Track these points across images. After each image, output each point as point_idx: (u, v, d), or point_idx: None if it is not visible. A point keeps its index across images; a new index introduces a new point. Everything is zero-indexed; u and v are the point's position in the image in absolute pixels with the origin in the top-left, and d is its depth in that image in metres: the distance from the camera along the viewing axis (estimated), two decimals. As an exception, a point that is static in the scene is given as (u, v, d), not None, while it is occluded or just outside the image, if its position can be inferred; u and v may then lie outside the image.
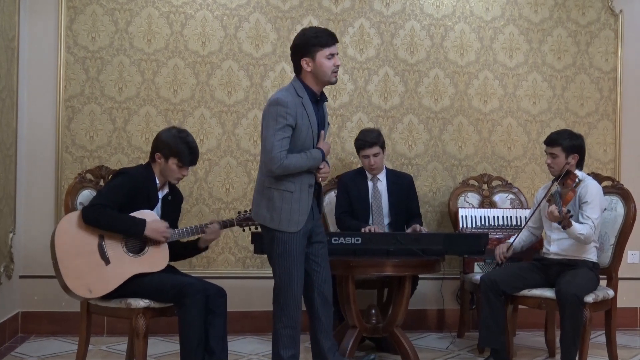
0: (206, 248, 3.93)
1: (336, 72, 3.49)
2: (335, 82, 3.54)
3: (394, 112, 5.28)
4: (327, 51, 3.44)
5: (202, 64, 5.05)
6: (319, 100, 3.55)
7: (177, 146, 3.67)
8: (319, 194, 3.66)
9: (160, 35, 5.00)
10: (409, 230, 4.51)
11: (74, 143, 4.91)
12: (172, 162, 3.68)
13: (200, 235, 3.84)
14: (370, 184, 4.72)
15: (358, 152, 4.70)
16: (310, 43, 3.45)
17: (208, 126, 5.05)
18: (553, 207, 3.85)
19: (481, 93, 5.38)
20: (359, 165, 4.87)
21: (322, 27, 3.70)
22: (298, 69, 3.52)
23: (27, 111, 4.85)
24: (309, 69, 3.46)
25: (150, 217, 3.63)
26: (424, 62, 5.31)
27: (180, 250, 3.89)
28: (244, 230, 3.96)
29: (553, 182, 4.15)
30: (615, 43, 5.52)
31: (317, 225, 3.64)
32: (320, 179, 3.58)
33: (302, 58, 3.46)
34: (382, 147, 4.68)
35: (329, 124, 3.71)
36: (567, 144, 4.14)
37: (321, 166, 3.53)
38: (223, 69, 5.07)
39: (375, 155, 4.61)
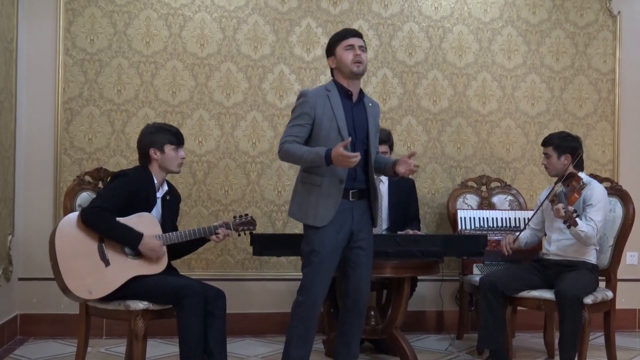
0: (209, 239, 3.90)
1: (358, 62, 3.49)
2: (357, 73, 3.52)
3: (392, 114, 5.28)
4: (344, 43, 3.53)
5: (201, 66, 5.05)
6: (351, 95, 3.56)
7: (164, 133, 3.77)
8: (374, 199, 3.59)
9: (159, 38, 5.01)
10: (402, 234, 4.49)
11: (72, 145, 4.91)
12: (169, 149, 3.74)
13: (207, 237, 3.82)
14: (372, 185, 4.71)
15: None
16: (331, 42, 3.62)
17: (207, 128, 5.05)
18: (560, 206, 3.86)
19: (480, 94, 5.38)
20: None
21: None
22: (332, 71, 3.64)
23: (26, 113, 4.85)
24: (334, 66, 3.59)
25: (149, 224, 3.62)
26: (422, 63, 5.32)
27: (186, 247, 3.86)
28: (239, 235, 3.94)
29: (556, 183, 4.17)
30: (614, 44, 5.53)
31: (363, 231, 3.57)
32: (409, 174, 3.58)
33: (328, 58, 3.61)
34: (391, 147, 4.68)
35: (377, 130, 3.65)
36: (558, 143, 4.21)
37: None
38: (222, 71, 5.07)
39: (383, 153, 4.61)
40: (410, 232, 4.45)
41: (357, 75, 3.54)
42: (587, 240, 4.00)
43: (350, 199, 3.51)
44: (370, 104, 3.64)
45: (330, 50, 3.59)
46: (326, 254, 3.45)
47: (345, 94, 3.55)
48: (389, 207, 4.70)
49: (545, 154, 4.26)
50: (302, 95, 3.52)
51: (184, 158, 3.82)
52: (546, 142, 4.27)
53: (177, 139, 3.79)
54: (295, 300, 3.53)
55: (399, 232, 4.48)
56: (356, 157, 3.27)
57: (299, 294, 3.51)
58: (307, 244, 3.49)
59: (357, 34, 3.59)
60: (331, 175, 3.44)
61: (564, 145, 4.20)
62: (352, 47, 3.51)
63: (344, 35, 3.57)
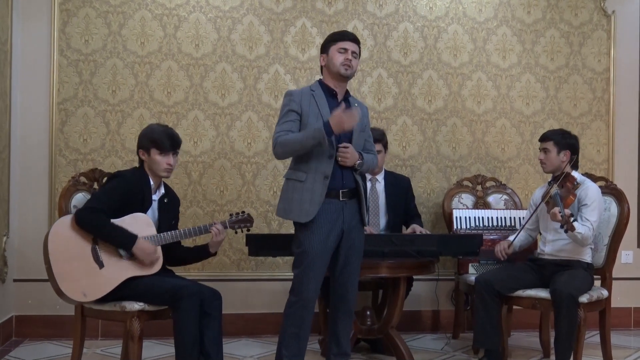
0: (215, 253, 3.88)
1: (347, 65, 3.53)
2: (345, 75, 3.56)
3: (387, 114, 5.29)
4: (340, 45, 3.57)
5: (196, 66, 5.04)
6: (335, 95, 3.59)
7: (154, 135, 3.69)
8: (361, 197, 3.60)
9: (154, 38, 5.00)
10: (408, 231, 4.51)
11: (67, 146, 4.90)
12: (155, 153, 3.68)
13: (206, 240, 3.80)
14: (368, 184, 4.72)
15: None
16: (327, 39, 3.66)
17: (202, 128, 5.05)
18: (556, 209, 3.85)
19: (475, 94, 5.39)
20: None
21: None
22: (321, 70, 3.68)
23: (21, 114, 4.84)
24: (323, 63, 3.63)
25: (143, 225, 3.61)
26: (417, 63, 5.32)
27: (186, 254, 3.87)
28: (236, 233, 3.94)
29: (550, 183, 4.17)
30: (608, 44, 5.54)
31: (354, 230, 3.59)
32: (340, 159, 3.49)
33: (321, 55, 3.65)
34: (385, 146, 4.69)
35: (362, 130, 3.63)
36: (559, 139, 4.21)
37: (341, 145, 3.48)
38: (217, 71, 5.07)
39: (377, 152, 4.61)
40: (417, 229, 4.47)
41: (343, 78, 3.58)
42: (584, 241, 4.01)
43: (341, 199, 3.53)
44: (356, 104, 3.65)
45: (324, 48, 3.64)
46: (316, 255, 3.46)
47: (330, 93, 3.59)
48: (387, 205, 4.71)
49: (544, 149, 4.24)
50: (287, 95, 3.58)
51: (170, 164, 3.70)
52: (546, 138, 4.26)
53: (165, 144, 3.67)
54: (287, 300, 3.55)
55: (407, 230, 4.51)
56: (356, 109, 3.43)
57: (291, 294, 3.53)
58: (298, 245, 3.51)
59: (354, 39, 3.62)
60: (315, 171, 3.47)
61: (565, 141, 4.21)
62: (345, 50, 3.55)
63: (342, 36, 3.62)
